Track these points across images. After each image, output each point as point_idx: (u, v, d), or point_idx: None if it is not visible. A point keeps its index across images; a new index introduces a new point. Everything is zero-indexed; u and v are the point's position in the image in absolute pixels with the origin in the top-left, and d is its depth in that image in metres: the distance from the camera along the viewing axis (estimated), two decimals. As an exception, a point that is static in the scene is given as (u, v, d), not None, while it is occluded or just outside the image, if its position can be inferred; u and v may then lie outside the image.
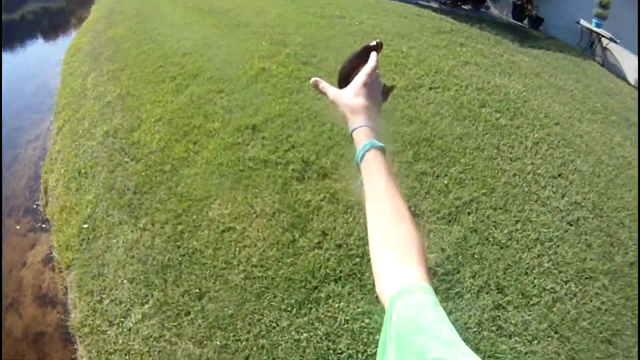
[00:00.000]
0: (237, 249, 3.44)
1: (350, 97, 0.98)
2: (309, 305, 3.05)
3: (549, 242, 3.61)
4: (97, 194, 4.20)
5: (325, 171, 4.03)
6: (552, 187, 4.15)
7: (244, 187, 3.94)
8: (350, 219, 3.61)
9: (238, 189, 3.93)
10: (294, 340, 2.88)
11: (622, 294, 3.41)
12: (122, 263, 3.48)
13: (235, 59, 6.09)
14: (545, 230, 3.69)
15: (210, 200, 3.87)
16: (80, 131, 5.29)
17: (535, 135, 4.68)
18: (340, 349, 2.82)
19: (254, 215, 3.68)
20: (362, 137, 0.95)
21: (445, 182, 4.00)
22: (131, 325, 3.07)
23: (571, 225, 3.82)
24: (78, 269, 3.58)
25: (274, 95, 5.10)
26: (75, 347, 3.20)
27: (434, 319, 0.60)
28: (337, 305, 3.04)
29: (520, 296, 3.19)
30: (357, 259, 3.31)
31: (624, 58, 8.20)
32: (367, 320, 2.96)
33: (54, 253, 3.99)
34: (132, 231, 3.73)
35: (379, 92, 1.01)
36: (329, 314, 2.99)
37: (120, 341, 3.00)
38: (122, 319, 3.12)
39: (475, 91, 5.23)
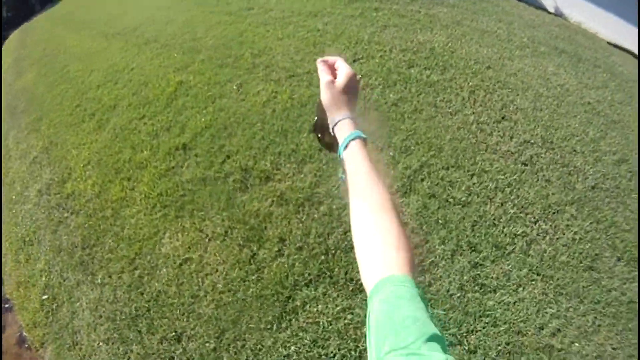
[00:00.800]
0: (200, 279, 3.28)
1: (337, 92, 1.04)
2: (288, 317, 2.94)
3: (508, 187, 3.56)
4: (47, 259, 4.01)
5: (267, 174, 3.87)
6: (499, 131, 4.10)
7: (189, 212, 3.75)
8: (305, 218, 3.46)
9: (184, 216, 3.74)
10: (284, 356, 2.78)
11: (592, 218, 3.41)
12: (93, 326, 3.34)
13: (150, 79, 5.82)
14: (502, 177, 3.64)
15: (159, 235, 3.68)
16: (13, 197, 5.04)
17: (470, 84, 4.62)
18: (332, 352, 2.74)
19: (207, 240, 3.51)
20: (345, 129, 1.01)
21: (391, 153, 3.89)
22: (120, 388, 2.96)
23: (526, 165, 3.78)
24: (52, 344, 3.43)
25: (198, 107, 4.89)
26: None
27: (404, 316, 0.65)
28: (315, 309, 2.94)
29: (494, 249, 3.15)
30: (322, 257, 3.19)
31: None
32: (349, 316, 2.87)
33: (24, 333, 3.79)
34: (91, 290, 3.56)
35: (357, 90, 1.08)
36: (310, 320, 2.89)
37: (114, 407, 2.89)
38: (110, 384, 3.00)
39: (400, 53, 5.11)
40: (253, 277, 3.17)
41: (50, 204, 4.52)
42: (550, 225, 3.33)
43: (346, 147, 0.98)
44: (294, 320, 2.91)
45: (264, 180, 3.82)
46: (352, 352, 2.73)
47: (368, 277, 0.77)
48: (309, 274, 3.10)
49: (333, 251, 3.21)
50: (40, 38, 10.32)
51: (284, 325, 2.90)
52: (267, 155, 4.03)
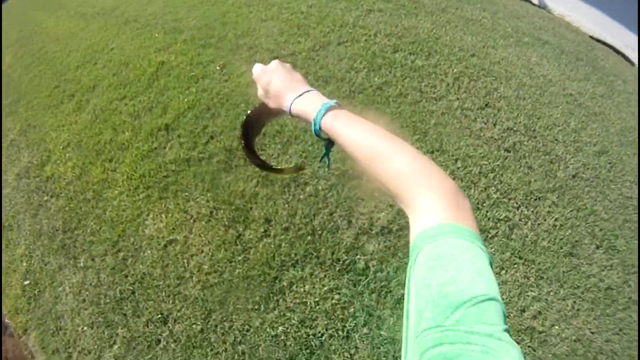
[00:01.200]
0: (185, 260, 3.24)
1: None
2: (275, 298, 2.94)
3: (492, 173, 3.60)
4: (28, 244, 3.90)
5: (251, 154, 3.80)
6: (482, 118, 4.14)
7: (173, 193, 3.69)
8: (290, 199, 3.45)
9: (167, 197, 3.68)
10: (272, 336, 2.79)
11: (572, 206, 3.50)
12: (76, 310, 3.27)
13: (130, 59, 5.66)
14: (486, 162, 3.67)
15: (142, 217, 3.61)
16: None
17: (455, 70, 4.64)
18: (319, 332, 2.77)
19: (192, 221, 3.46)
20: (307, 104, 0.92)
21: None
22: (107, 371, 2.91)
23: (509, 151, 3.83)
24: (35, 330, 3.35)
25: (180, 88, 4.79)
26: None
27: (442, 281, 0.57)
28: (302, 289, 2.95)
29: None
30: (309, 238, 3.19)
31: (523, -21, 8.23)
32: (336, 297, 2.90)
33: (6, 320, 3.69)
34: (74, 274, 3.48)
35: (291, 68, 1.05)
36: (298, 301, 2.91)
37: (102, 391, 2.83)
38: (96, 369, 2.95)
39: (385, 38, 5.09)
40: (239, 258, 3.15)
41: (30, 188, 4.39)
42: (532, 211, 3.39)
43: (322, 121, 0.88)
44: (281, 300, 2.92)
45: (248, 160, 3.73)
46: (340, 332, 2.75)
47: (412, 223, 0.70)
48: (296, 255, 3.10)
49: (319, 232, 3.21)
50: (15, 20, 9.95)
51: (271, 305, 2.91)
52: (251, 136, 3.95)
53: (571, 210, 3.46)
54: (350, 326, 2.77)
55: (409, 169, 0.74)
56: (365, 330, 2.76)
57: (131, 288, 3.23)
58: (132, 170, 3.96)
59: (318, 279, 2.98)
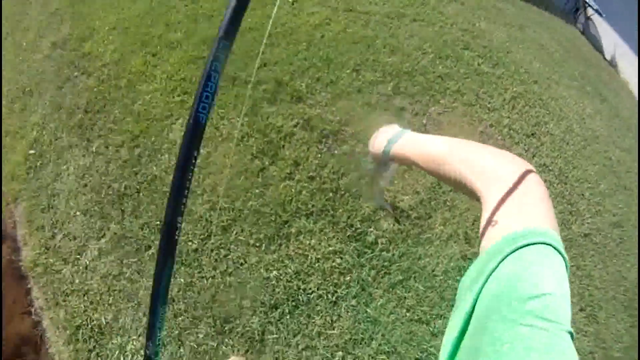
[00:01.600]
0: (201, 175, 3.13)
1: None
2: (279, 241, 2.88)
3: (514, 199, 3.57)
4: (44, 114, 3.72)
5: (300, 94, 3.70)
6: (525, 145, 4.13)
7: (209, 106, 3.55)
8: (325, 150, 3.37)
9: (202, 108, 3.54)
10: (263, 278, 2.73)
11: (573, 262, 3.51)
12: (74, 193, 3.12)
13: (205, -40, 5.44)
14: (513, 188, 3.64)
15: (171, 120, 3.48)
16: (24, 44, 4.59)
17: (514, 90, 4.58)
18: (310, 288, 2.73)
19: (220, 139, 3.35)
20: (376, 149, 1.01)
21: (424, 121, 3.85)
22: (87, 262, 2.79)
23: (537, 187, 3.79)
24: (26, 201, 3.19)
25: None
26: (29, 286, 2.85)
27: (513, 273, 0.52)
28: (308, 242, 2.89)
29: (484, 251, 3.16)
30: (330, 194, 3.13)
31: (605, 32, 8.04)
32: (338, 260, 2.85)
33: (-1, 185, 3.58)
34: (83, 156, 3.32)
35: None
36: (300, 252, 2.85)
37: (76, 281, 2.72)
38: (78, 256, 2.82)
39: (459, 31, 5.01)
40: (256, 191, 3.07)
41: (63, 59, 4.18)
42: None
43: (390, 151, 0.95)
44: (284, 246, 2.87)
45: (296, 99, 3.67)
46: (330, 296, 2.72)
47: (493, 224, 0.63)
48: (313, 206, 3.04)
49: (342, 192, 3.15)
50: None
51: (272, 247, 2.85)
52: (305, 77, 3.87)
53: (571, 266, 3.43)
54: (341, 293, 2.74)
55: (469, 166, 0.74)
56: (353, 302, 2.72)
57: (137, 187, 3.11)
58: (174, 71, 3.81)
59: (326, 238, 2.92)
